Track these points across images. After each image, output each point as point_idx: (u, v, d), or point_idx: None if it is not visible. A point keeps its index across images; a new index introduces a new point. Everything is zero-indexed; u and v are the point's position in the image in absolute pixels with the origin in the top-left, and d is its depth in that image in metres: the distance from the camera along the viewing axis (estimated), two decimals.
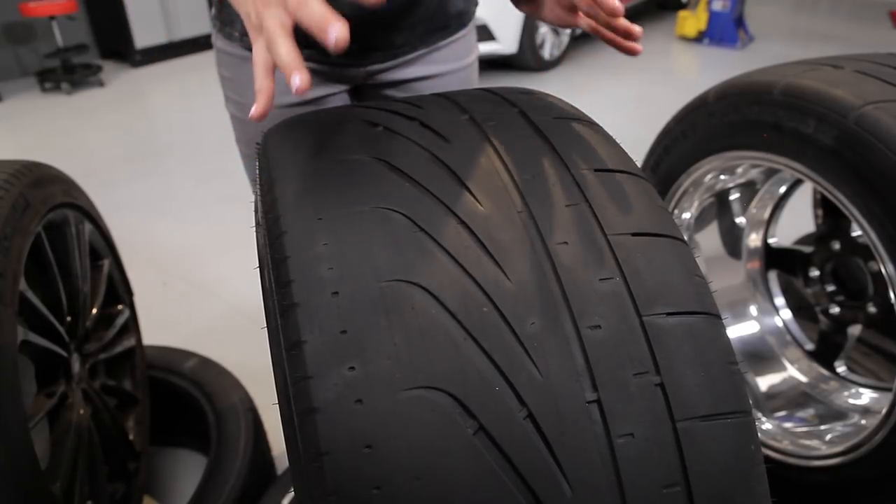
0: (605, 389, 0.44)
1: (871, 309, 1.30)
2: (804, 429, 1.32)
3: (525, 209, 0.51)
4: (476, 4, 1.08)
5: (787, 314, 1.49)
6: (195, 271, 2.55)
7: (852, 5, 7.10)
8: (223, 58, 1.04)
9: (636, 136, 1.31)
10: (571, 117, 0.63)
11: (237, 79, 1.02)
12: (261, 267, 0.58)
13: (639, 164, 0.61)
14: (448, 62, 1.06)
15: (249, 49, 0.97)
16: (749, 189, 1.47)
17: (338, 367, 0.43)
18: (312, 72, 0.99)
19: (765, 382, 1.44)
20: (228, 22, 0.98)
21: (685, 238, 0.53)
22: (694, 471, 0.43)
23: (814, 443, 1.24)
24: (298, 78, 0.50)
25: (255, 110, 0.55)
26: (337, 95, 1.03)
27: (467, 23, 1.06)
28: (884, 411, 1.06)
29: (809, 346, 1.44)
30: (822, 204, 1.39)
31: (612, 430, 0.43)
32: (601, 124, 0.64)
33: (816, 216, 1.43)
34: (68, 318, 1.22)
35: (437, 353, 0.43)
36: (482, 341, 0.44)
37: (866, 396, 1.33)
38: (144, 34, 5.52)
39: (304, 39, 0.98)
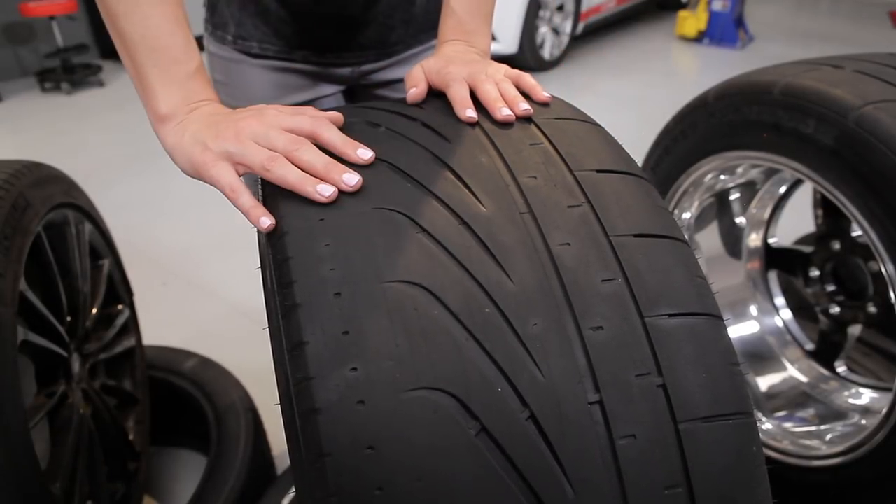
0: (607, 390, 0.44)
1: (871, 309, 1.30)
2: (804, 429, 1.31)
3: (527, 210, 0.51)
4: None
5: (787, 314, 1.49)
6: (195, 271, 2.55)
7: (852, 5, 7.10)
8: (216, 62, 1.03)
9: (636, 136, 1.31)
10: (573, 118, 0.63)
11: (231, 83, 1.01)
12: (262, 267, 0.58)
13: (639, 164, 0.61)
14: None
15: (242, 52, 0.96)
16: (749, 189, 1.46)
17: (340, 367, 0.43)
18: (306, 73, 0.98)
19: (765, 382, 1.44)
20: (221, 25, 0.97)
21: (686, 238, 0.53)
22: (695, 472, 0.44)
23: (814, 443, 1.24)
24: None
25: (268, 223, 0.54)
26: (331, 97, 1.02)
27: None
28: (884, 411, 1.06)
29: (809, 346, 1.44)
30: (822, 204, 1.39)
31: (613, 431, 0.43)
32: (601, 124, 0.64)
33: (816, 216, 1.43)
34: (68, 318, 1.22)
35: (439, 354, 0.43)
36: (484, 342, 0.44)
37: (866, 396, 1.33)
38: None
39: (298, 39, 0.97)
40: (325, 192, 0.52)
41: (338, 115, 0.61)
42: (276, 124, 0.58)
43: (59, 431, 1.09)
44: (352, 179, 0.52)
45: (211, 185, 0.60)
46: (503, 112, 0.60)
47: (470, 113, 0.61)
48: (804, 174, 1.10)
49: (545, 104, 0.64)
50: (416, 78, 0.70)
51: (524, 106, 0.62)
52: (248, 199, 0.56)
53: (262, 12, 0.92)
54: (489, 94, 0.63)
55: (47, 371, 1.12)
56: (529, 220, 0.50)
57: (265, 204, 0.56)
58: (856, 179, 1.01)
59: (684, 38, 5.72)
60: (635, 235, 0.50)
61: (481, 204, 0.51)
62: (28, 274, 1.04)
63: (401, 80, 1.03)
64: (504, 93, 0.63)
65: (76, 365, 1.21)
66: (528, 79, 0.67)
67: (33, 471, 0.89)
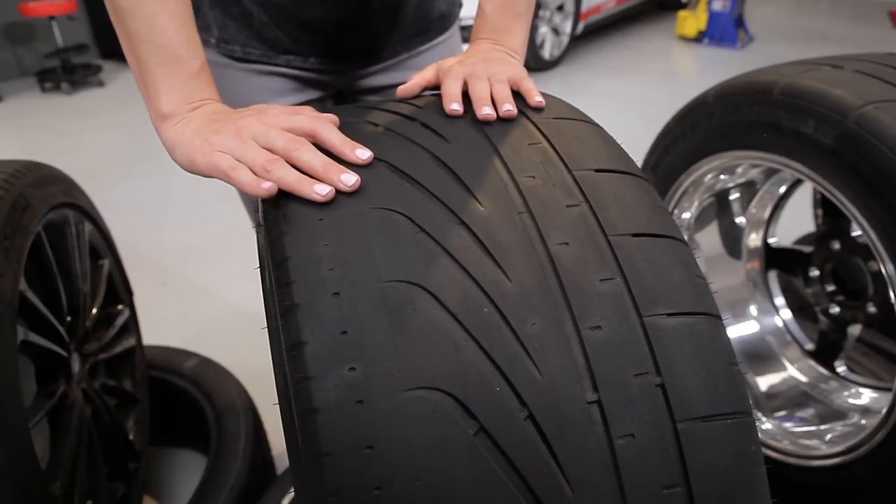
0: (605, 390, 0.44)
1: (871, 309, 1.30)
2: (804, 428, 1.31)
3: (526, 210, 0.51)
4: (460, 6, 1.07)
5: (787, 314, 1.49)
6: (195, 271, 2.55)
7: (852, 5, 7.10)
8: None
9: (636, 137, 1.31)
10: (572, 117, 0.63)
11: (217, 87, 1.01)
12: (261, 267, 0.58)
13: (639, 164, 0.61)
14: None
15: (227, 56, 0.95)
16: (749, 189, 1.46)
17: (338, 367, 0.43)
18: (292, 77, 0.97)
19: (765, 382, 1.44)
20: (204, 28, 0.95)
21: (685, 238, 0.53)
22: (694, 471, 0.44)
23: (814, 442, 1.24)
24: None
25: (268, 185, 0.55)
26: (318, 102, 1.01)
27: (449, 26, 1.04)
28: (884, 411, 1.06)
29: (809, 346, 1.44)
30: (822, 204, 1.39)
31: (612, 430, 0.43)
32: (601, 124, 0.64)
33: (816, 216, 1.43)
34: (68, 318, 1.22)
35: (437, 353, 0.43)
36: (483, 342, 0.44)
37: (866, 396, 1.33)
38: None
39: (281, 44, 0.96)
40: (322, 191, 0.52)
41: (335, 117, 0.61)
42: (275, 124, 0.58)
43: (59, 431, 1.09)
44: (350, 180, 0.53)
45: (209, 174, 0.60)
46: (484, 111, 0.61)
47: (454, 106, 0.62)
48: (804, 174, 1.10)
49: (538, 108, 0.64)
50: (419, 75, 0.70)
51: (508, 107, 0.61)
52: (246, 173, 0.56)
53: (245, 16, 0.91)
54: (478, 92, 0.63)
55: (47, 371, 1.12)
56: (528, 219, 0.50)
57: (263, 203, 0.56)
58: (856, 179, 1.01)
59: (684, 38, 5.71)
60: (634, 235, 0.50)
61: (480, 204, 0.51)
62: (28, 274, 1.04)
63: (390, 87, 1.01)
64: (495, 93, 0.63)
65: (76, 365, 1.21)
66: (527, 82, 0.66)
67: (33, 471, 0.89)
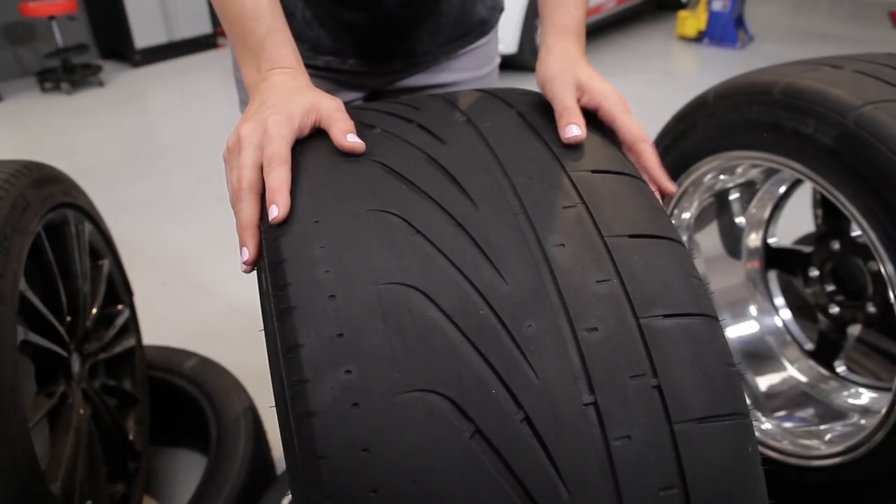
0: (601, 392, 0.44)
1: (871, 309, 1.30)
2: (804, 428, 1.31)
3: (522, 211, 0.51)
4: (501, 11, 1.06)
5: (786, 314, 1.49)
6: (195, 271, 2.55)
7: (852, 5, 7.09)
8: (244, 86, 1.03)
9: None
10: None
11: None
12: (258, 270, 0.58)
13: None
14: (468, 70, 1.04)
15: None
16: (749, 189, 1.46)
17: (334, 370, 0.43)
18: (329, 79, 0.97)
19: (764, 382, 1.44)
20: None
21: (685, 238, 0.53)
22: (691, 473, 0.43)
23: (813, 442, 1.24)
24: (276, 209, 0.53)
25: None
26: (355, 102, 1.01)
27: (489, 31, 1.04)
28: (883, 411, 1.06)
29: (809, 346, 1.44)
30: (822, 204, 1.38)
31: (608, 432, 0.43)
32: (600, 124, 0.64)
33: (816, 216, 1.43)
34: (68, 318, 1.22)
35: (433, 356, 0.43)
36: (479, 344, 0.44)
37: (866, 396, 1.33)
38: (144, 34, 5.52)
39: (322, 45, 0.97)
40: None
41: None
42: (249, 160, 0.57)
43: (59, 431, 1.09)
44: (244, 255, 0.56)
45: None
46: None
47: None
48: (804, 174, 1.10)
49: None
50: (576, 112, 0.62)
51: None
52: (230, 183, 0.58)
53: (287, 14, 0.92)
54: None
55: (47, 371, 1.12)
56: (524, 221, 0.50)
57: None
58: (855, 179, 1.01)
59: (684, 38, 5.71)
60: (630, 236, 0.50)
61: (476, 205, 0.51)
62: (28, 274, 1.04)
63: (426, 87, 1.02)
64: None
65: (76, 365, 1.21)
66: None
67: (33, 471, 0.89)
